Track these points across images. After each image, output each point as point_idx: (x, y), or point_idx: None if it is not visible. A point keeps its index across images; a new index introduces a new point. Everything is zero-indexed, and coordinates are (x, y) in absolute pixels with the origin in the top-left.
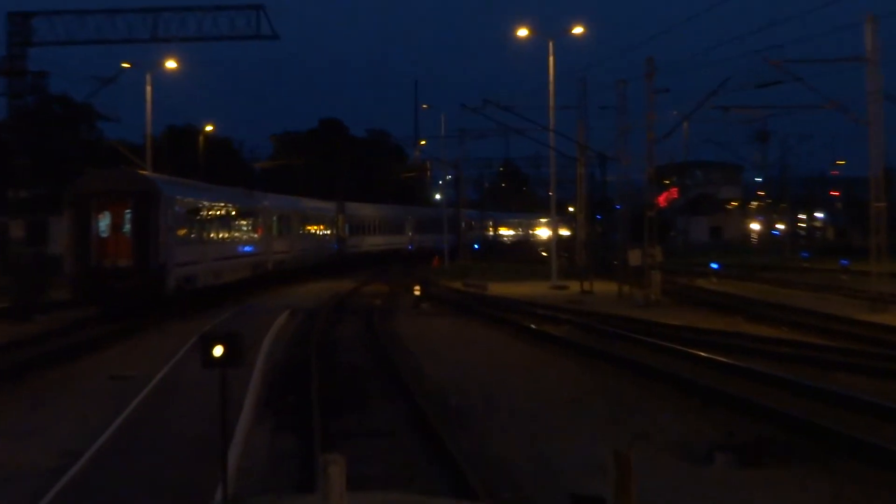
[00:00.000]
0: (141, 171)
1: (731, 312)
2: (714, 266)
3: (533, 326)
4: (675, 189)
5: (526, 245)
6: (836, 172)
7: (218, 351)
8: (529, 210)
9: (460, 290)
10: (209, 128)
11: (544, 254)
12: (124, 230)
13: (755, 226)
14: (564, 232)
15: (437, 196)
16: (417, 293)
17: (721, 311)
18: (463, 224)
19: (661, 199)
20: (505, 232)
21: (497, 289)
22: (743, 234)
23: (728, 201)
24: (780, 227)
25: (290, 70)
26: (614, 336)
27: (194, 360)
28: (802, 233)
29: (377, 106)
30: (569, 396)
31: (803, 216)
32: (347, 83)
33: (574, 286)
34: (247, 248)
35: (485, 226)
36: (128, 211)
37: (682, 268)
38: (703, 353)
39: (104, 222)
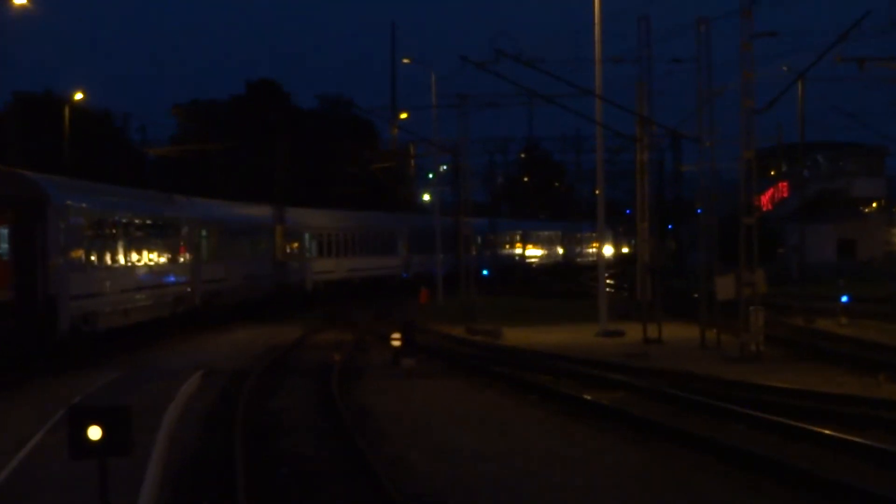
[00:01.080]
0: (22, 171)
1: (870, 369)
2: (844, 299)
3: (572, 394)
4: (785, 184)
5: (567, 270)
6: None
7: (95, 433)
8: (566, 216)
9: (462, 338)
10: (78, 96)
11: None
12: (0, 251)
13: None
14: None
15: (426, 196)
16: (397, 344)
17: (855, 368)
18: (479, 239)
19: (765, 200)
20: (529, 250)
21: (517, 336)
22: (888, 250)
23: (865, 201)
24: None
25: (202, 12)
26: (695, 407)
27: (60, 445)
28: None
29: (334, 62)
30: (628, 501)
31: None
32: (289, 29)
33: (634, 331)
34: (167, 277)
35: (502, 240)
36: (5, 226)
37: (797, 302)
38: (826, 431)
39: None
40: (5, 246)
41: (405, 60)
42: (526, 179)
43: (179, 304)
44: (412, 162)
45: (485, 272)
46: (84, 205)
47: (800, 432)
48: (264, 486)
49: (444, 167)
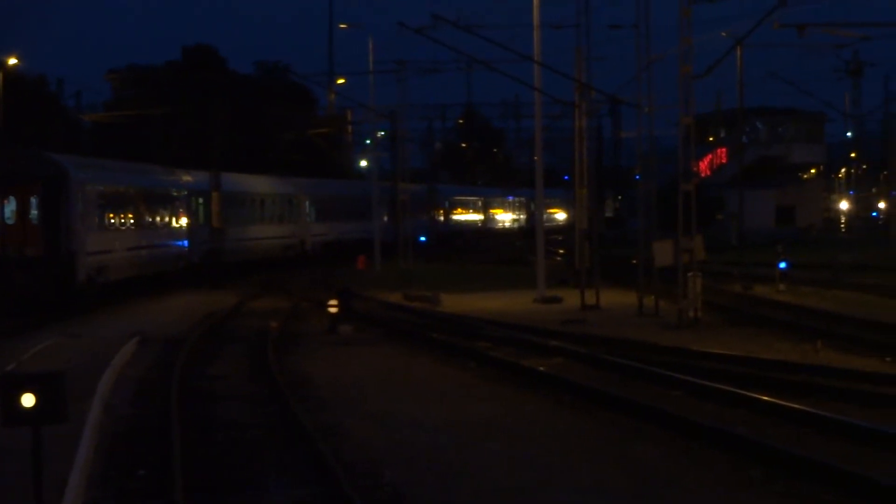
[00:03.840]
0: (47, 152)
1: (808, 336)
2: (782, 266)
3: (510, 360)
4: (724, 150)
5: (511, 236)
6: None
7: (28, 400)
8: (505, 183)
9: (400, 304)
10: (12, 61)
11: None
12: (31, 216)
13: (844, 205)
14: (560, 215)
15: (363, 163)
16: (334, 311)
17: (793, 334)
18: (447, 204)
19: (704, 166)
20: (468, 216)
21: (455, 303)
22: (826, 217)
23: (804, 168)
24: (882, 206)
25: None
26: (633, 373)
27: None
28: None
29: (270, 28)
30: (567, 467)
31: None
32: None
33: (572, 298)
34: (167, 238)
35: (463, 207)
36: (34, 196)
37: (735, 268)
38: (765, 398)
39: (9, 208)
40: (35, 212)
41: (342, 26)
42: (464, 146)
43: (180, 261)
44: (349, 128)
45: (422, 238)
46: (97, 179)
47: (738, 398)
48: (200, 453)
49: (382, 133)
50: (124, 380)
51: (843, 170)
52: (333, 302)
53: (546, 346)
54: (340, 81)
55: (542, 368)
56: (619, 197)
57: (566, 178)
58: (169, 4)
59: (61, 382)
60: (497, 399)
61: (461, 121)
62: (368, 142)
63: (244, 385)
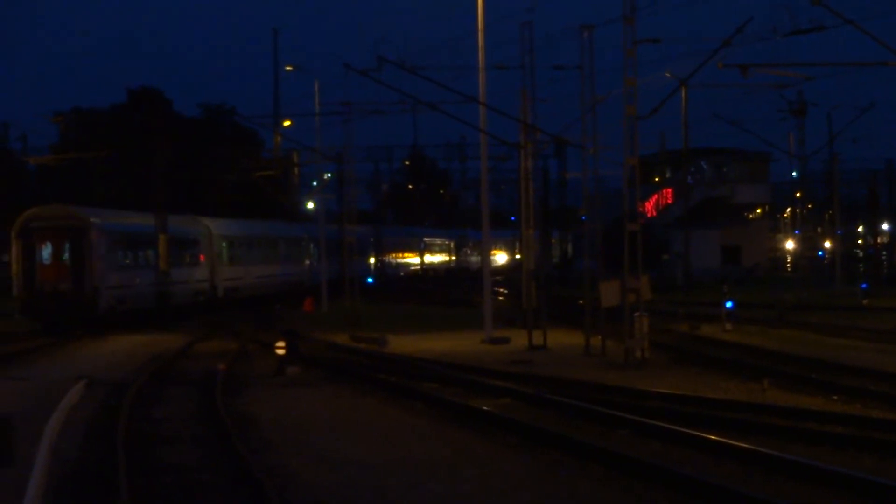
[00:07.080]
0: (74, 206)
1: (755, 375)
2: (729, 305)
3: (457, 401)
4: (670, 190)
5: (460, 277)
6: None
7: None
8: (453, 224)
9: (347, 346)
10: None
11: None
12: (63, 258)
13: (790, 244)
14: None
15: (310, 205)
16: (281, 352)
17: (739, 374)
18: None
19: (649, 206)
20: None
21: (402, 344)
22: (772, 256)
23: (749, 208)
24: (828, 245)
25: (85, 20)
26: (579, 413)
27: None
28: (860, 254)
29: (217, 70)
30: None
31: (861, 229)
32: (173, 36)
33: (519, 338)
34: (185, 276)
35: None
36: (66, 242)
37: (682, 308)
38: (713, 437)
39: (46, 252)
40: (67, 255)
41: (288, 68)
42: (411, 187)
43: (199, 295)
44: (296, 170)
45: (369, 280)
46: (115, 226)
47: (684, 438)
48: (147, 495)
49: (329, 175)
50: (72, 423)
51: (788, 209)
52: (281, 343)
53: (493, 387)
54: (286, 123)
55: (489, 409)
56: (566, 238)
57: (513, 219)
58: (116, 46)
59: (7, 426)
60: (443, 440)
61: (407, 162)
62: (315, 183)
63: (191, 427)
